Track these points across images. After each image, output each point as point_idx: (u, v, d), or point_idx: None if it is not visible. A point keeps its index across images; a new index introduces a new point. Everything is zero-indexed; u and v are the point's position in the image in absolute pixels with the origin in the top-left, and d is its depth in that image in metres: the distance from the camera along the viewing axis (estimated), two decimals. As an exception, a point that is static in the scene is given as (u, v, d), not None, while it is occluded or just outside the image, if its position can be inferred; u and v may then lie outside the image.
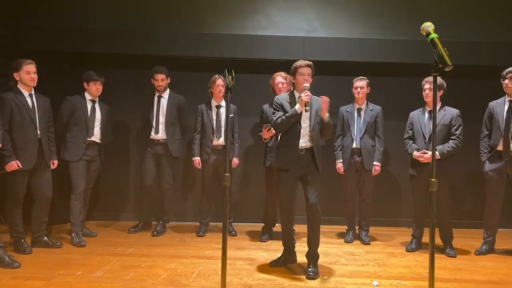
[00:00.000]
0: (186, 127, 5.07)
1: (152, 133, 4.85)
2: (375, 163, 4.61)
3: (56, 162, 4.23)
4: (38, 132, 4.00)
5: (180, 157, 5.14)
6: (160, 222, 4.95)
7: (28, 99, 3.97)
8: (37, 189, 4.06)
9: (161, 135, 4.85)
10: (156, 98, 4.88)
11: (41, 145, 4.01)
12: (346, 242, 4.69)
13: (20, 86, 3.96)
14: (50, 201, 4.17)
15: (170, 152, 4.87)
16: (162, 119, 4.85)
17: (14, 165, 3.78)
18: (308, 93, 3.46)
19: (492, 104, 4.27)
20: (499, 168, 4.14)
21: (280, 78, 4.47)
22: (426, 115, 4.28)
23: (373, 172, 4.61)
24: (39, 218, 4.14)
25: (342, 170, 4.68)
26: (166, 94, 4.91)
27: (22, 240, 4.00)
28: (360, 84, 4.64)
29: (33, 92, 4.03)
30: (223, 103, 4.85)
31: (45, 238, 4.20)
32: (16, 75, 3.94)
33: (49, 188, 4.12)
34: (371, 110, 4.68)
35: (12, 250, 3.92)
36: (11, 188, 3.91)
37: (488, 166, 4.21)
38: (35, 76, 3.97)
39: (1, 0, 4.88)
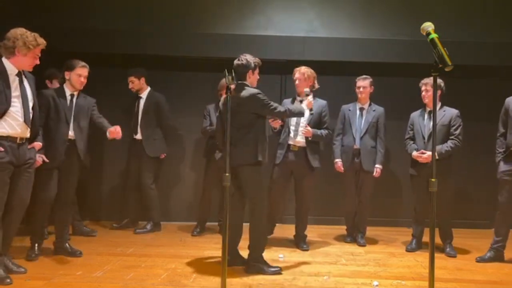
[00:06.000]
0: (167, 126, 5.07)
1: (134, 133, 4.92)
2: (376, 165, 4.49)
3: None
4: (70, 132, 3.87)
5: (171, 157, 5.17)
6: (150, 222, 4.92)
7: (68, 99, 3.88)
8: (61, 190, 3.87)
9: (139, 135, 4.90)
10: (137, 99, 4.94)
11: (70, 145, 3.86)
12: (346, 242, 4.68)
13: (66, 85, 3.90)
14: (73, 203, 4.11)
15: (146, 153, 4.86)
16: (140, 119, 4.90)
17: (39, 161, 3.56)
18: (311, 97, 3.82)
19: (509, 100, 3.95)
20: None
21: (297, 74, 4.30)
22: (426, 115, 4.28)
23: (374, 173, 4.50)
24: (64, 221, 3.97)
25: (342, 169, 4.54)
26: (144, 94, 4.93)
27: (37, 244, 3.83)
28: (363, 84, 4.55)
29: (75, 93, 3.92)
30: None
31: (67, 244, 3.96)
32: (67, 74, 3.88)
33: (72, 190, 4.02)
34: (374, 110, 4.59)
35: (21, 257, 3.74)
36: (41, 188, 3.73)
37: (502, 167, 3.90)
38: (85, 81, 3.91)
39: (2, 1, 4.88)
